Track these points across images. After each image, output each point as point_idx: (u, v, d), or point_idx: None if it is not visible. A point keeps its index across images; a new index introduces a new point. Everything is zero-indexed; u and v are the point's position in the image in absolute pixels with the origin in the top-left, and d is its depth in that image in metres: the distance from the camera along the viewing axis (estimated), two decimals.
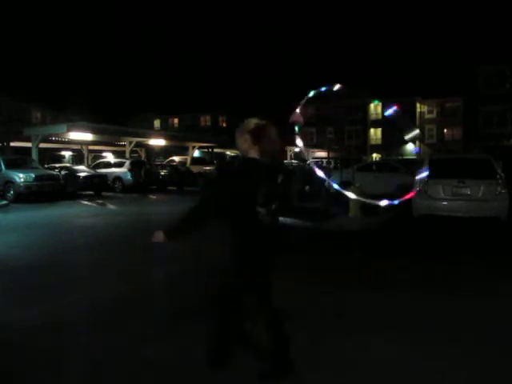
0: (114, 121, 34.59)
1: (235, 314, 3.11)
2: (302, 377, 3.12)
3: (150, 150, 35.22)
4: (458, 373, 3.21)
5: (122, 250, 7.70)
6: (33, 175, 16.57)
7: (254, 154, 2.89)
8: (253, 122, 2.90)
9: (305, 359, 3.35)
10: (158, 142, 28.95)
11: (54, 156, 35.31)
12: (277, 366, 3.04)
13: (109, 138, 26.36)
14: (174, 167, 26.12)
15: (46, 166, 22.58)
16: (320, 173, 3.45)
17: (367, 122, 53.17)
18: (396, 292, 5.06)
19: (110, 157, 33.01)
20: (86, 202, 16.68)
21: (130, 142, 26.92)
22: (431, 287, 5.31)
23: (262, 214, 2.82)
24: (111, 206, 15.67)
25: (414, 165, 15.16)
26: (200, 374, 3.14)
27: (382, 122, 51.63)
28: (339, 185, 15.24)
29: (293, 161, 41.57)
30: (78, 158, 38.28)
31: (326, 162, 32.31)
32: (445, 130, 51.19)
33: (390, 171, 15.46)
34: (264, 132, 2.86)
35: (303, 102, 3.51)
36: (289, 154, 45.03)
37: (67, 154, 38.60)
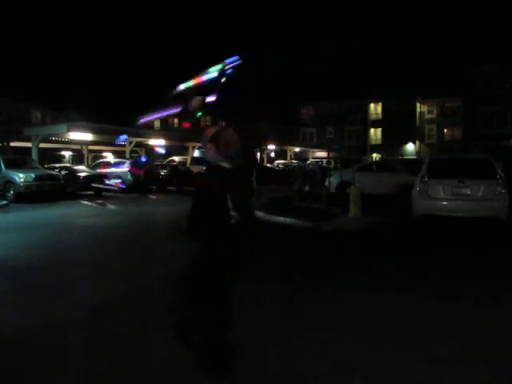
0: (113, 121, 34.47)
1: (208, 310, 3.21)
2: (301, 376, 3.12)
3: (149, 149, 35.20)
4: (459, 372, 3.21)
5: (121, 250, 7.70)
6: (33, 175, 16.57)
7: (220, 160, 3.03)
8: (210, 130, 3.09)
9: (304, 360, 3.35)
10: (157, 142, 28.95)
11: (53, 156, 35.30)
12: (213, 364, 3.09)
13: (109, 138, 26.34)
14: (173, 167, 26.12)
15: (45, 165, 22.58)
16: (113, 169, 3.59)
17: (367, 122, 53.19)
18: (396, 292, 5.06)
19: (109, 157, 33.01)
20: (85, 202, 16.68)
21: (130, 142, 26.91)
22: (431, 287, 5.31)
23: (235, 217, 2.94)
24: (111, 206, 15.67)
25: (414, 164, 15.13)
26: (199, 373, 3.14)
27: (382, 122, 51.71)
28: (339, 185, 15.17)
29: (293, 161, 41.65)
30: (77, 158, 38.27)
31: (326, 161, 32.32)
32: (445, 130, 51.18)
33: (390, 171, 15.43)
34: (220, 136, 3.02)
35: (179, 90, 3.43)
36: (289, 153, 45.08)
37: (67, 153, 38.60)
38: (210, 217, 3.04)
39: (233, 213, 2.96)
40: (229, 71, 3.24)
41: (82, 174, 19.92)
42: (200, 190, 3.23)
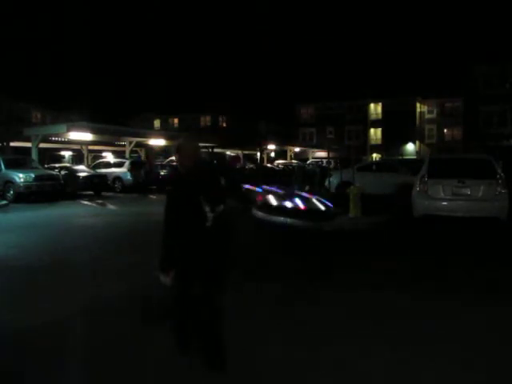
0: (114, 121, 34.47)
1: (190, 311, 3.31)
2: (300, 375, 3.12)
3: (149, 149, 35.17)
4: (459, 372, 3.21)
5: (122, 250, 7.70)
6: (33, 175, 16.56)
7: (182, 167, 3.33)
8: (176, 142, 3.37)
9: (303, 359, 3.35)
10: (158, 142, 28.92)
11: (53, 156, 35.26)
12: (210, 362, 3.15)
13: (109, 137, 26.31)
14: (173, 167, 26.09)
15: (45, 165, 22.56)
16: None
17: (367, 122, 53.17)
18: (396, 292, 5.06)
19: (109, 157, 32.98)
20: (85, 202, 16.67)
21: (130, 142, 26.90)
22: (431, 287, 5.31)
23: (210, 219, 3.10)
24: (111, 206, 15.67)
25: (414, 164, 15.12)
26: (199, 372, 3.14)
27: (382, 122, 51.71)
28: (339, 185, 15.10)
29: (293, 161, 41.66)
30: (77, 158, 38.22)
31: (326, 161, 32.30)
32: (445, 130, 51.19)
33: (390, 171, 15.42)
34: (181, 148, 3.27)
35: None
36: (289, 153, 45.08)
37: (67, 153, 38.56)
38: (183, 218, 3.15)
39: (209, 214, 3.09)
40: None
41: (82, 174, 19.93)
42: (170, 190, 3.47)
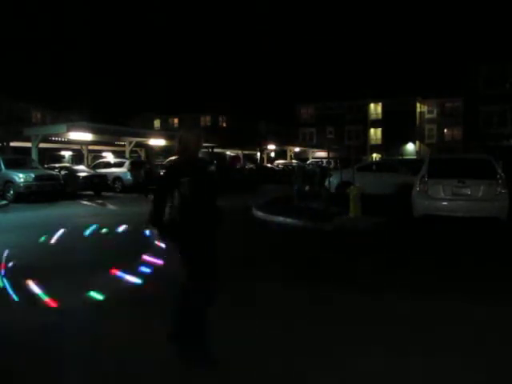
0: (114, 121, 34.45)
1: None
2: (300, 375, 3.12)
3: (149, 149, 35.15)
4: (459, 372, 3.21)
5: (122, 250, 7.69)
6: (33, 175, 16.56)
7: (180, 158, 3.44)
8: (179, 135, 3.45)
9: (302, 358, 3.35)
10: (158, 142, 28.92)
11: (53, 156, 35.27)
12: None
13: (109, 137, 26.32)
14: None
15: (45, 165, 22.57)
16: None
17: (367, 122, 53.16)
18: (395, 292, 5.05)
19: (109, 157, 32.99)
20: (85, 202, 16.67)
21: (130, 142, 26.90)
22: (431, 287, 5.31)
23: (169, 214, 3.21)
24: (111, 206, 15.66)
25: (414, 164, 15.12)
26: (199, 372, 3.14)
27: (382, 122, 51.70)
28: (339, 185, 15.18)
29: (293, 161, 41.66)
30: (77, 158, 38.22)
31: (326, 161, 32.28)
32: (445, 130, 51.18)
33: (390, 171, 15.42)
34: (181, 140, 3.36)
35: None
36: (289, 153, 45.08)
37: (67, 154, 38.56)
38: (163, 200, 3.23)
39: (168, 210, 3.17)
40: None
41: (82, 174, 19.93)
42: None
